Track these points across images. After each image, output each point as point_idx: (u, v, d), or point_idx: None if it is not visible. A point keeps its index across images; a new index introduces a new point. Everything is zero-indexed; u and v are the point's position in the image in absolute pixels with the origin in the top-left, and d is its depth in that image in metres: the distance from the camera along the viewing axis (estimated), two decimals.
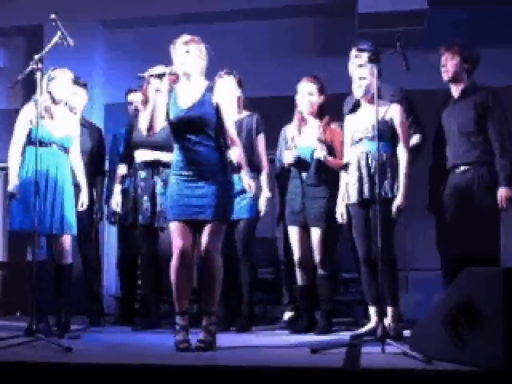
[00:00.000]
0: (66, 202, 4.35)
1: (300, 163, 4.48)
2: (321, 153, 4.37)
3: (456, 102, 4.20)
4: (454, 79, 4.19)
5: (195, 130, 3.57)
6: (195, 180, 3.57)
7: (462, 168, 4.09)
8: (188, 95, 3.64)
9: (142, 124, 3.75)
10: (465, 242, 4.01)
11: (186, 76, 3.64)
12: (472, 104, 4.10)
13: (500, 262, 3.96)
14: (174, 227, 3.60)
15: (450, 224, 4.10)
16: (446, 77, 4.21)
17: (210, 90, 3.64)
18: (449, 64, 4.17)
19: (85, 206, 4.59)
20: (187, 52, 3.60)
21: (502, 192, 4.00)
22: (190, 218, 3.56)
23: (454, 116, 4.17)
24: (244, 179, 3.74)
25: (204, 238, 3.56)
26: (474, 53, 4.23)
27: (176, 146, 3.65)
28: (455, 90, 4.22)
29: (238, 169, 3.84)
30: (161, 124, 3.73)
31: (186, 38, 3.62)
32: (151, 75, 3.61)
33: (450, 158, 4.15)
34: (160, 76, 3.59)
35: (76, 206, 4.50)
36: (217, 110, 3.61)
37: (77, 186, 4.55)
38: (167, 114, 3.65)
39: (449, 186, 4.14)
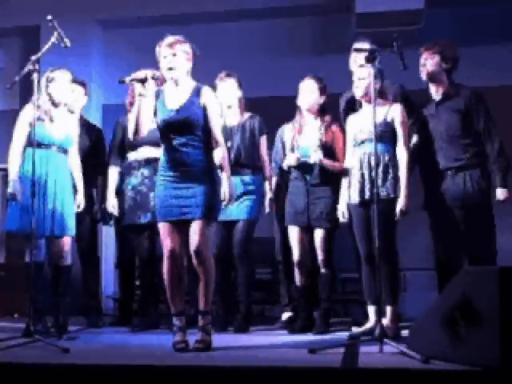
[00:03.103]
0: (65, 203, 4.34)
1: (302, 164, 4.46)
2: (316, 157, 4.37)
3: (438, 105, 4.17)
4: (433, 79, 4.18)
5: (183, 131, 3.56)
6: (182, 181, 3.55)
7: (454, 171, 4.07)
8: (176, 97, 3.62)
9: (129, 128, 3.70)
10: (460, 244, 4.02)
11: (174, 79, 3.62)
12: (456, 107, 4.08)
13: (496, 263, 3.96)
14: (163, 228, 3.59)
15: (445, 226, 4.09)
16: (424, 76, 4.20)
17: (197, 90, 3.62)
18: (428, 63, 4.16)
19: (81, 208, 4.59)
20: (174, 55, 3.56)
21: (499, 193, 4.00)
22: (178, 218, 3.55)
23: (438, 120, 4.14)
24: (223, 183, 3.64)
25: (193, 238, 3.53)
26: (454, 52, 4.20)
27: (163, 147, 3.64)
28: (435, 91, 4.20)
29: (220, 170, 3.76)
30: (148, 127, 3.67)
31: (170, 39, 3.58)
32: (132, 80, 3.58)
33: (440, 161, 4.12)
34: (142, 81, 3.54)
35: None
36: (204, 110, 3.60)
37: (75, 188, 4.54)
38: (155, 115, 3.63)
39: (442, 189, 4.12)
